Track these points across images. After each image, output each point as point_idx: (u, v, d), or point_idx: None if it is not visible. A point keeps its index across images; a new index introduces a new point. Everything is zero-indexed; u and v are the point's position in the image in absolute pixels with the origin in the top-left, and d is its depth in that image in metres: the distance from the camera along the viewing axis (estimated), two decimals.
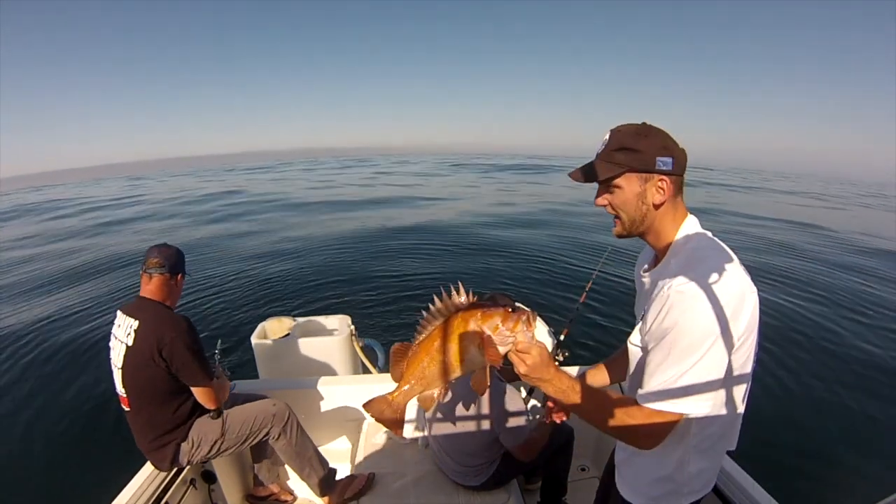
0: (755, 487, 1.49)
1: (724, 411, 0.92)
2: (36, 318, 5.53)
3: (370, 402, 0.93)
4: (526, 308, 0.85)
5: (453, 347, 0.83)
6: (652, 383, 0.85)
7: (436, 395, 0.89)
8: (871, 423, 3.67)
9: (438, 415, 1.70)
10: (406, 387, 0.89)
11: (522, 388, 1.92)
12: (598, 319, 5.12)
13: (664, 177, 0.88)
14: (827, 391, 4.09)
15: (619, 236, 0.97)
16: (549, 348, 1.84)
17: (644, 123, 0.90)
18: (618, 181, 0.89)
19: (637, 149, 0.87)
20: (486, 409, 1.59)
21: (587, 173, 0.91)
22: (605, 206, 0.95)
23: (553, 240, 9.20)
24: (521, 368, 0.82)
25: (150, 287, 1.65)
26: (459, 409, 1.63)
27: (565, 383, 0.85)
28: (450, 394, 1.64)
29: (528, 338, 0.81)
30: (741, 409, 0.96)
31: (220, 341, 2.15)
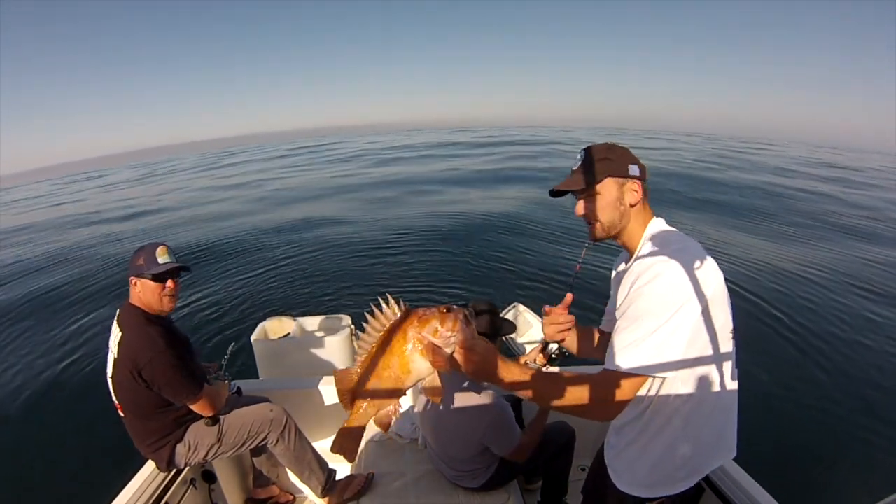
0: (754, 486, 1.49)
1: (700, 390, 0.97)
2: (32, 313, 5.54)
3: (334, 443, 0.91)
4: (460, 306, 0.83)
5: (397, 360, 0.80)
6: (617, 346, 0.91)
7: (391, 412, 0.86)
8: (871, 422, 3.67)
9: (429, 426, 1.69)
10: (359, 411, 0.86)
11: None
12: (596, 304, 5.09)
13: (636, 180, 1.03)
14: (827, 389, 4.08)
15: (598, 239, 1.08)
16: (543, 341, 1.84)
17: (610, 143, 1.06)
18: (598, 188, 1.02)
19: (611, 158, 1.02)
20: (474, 423, 1.57)
21: (571, 183, 1.04)
22: (586, 213, 1.06)
23: (551, 223, 9.17)
24: (468, 367, 0.81)
25: (131, 292, 1.64)
26: (448, 421, 1.62)
27: (516, 372, 0.86)
28: (439, 405, 1.62)
29: (469, 335, 0.79)
30: (726, 396, 1.00)
31: (232, 345, 2.13)
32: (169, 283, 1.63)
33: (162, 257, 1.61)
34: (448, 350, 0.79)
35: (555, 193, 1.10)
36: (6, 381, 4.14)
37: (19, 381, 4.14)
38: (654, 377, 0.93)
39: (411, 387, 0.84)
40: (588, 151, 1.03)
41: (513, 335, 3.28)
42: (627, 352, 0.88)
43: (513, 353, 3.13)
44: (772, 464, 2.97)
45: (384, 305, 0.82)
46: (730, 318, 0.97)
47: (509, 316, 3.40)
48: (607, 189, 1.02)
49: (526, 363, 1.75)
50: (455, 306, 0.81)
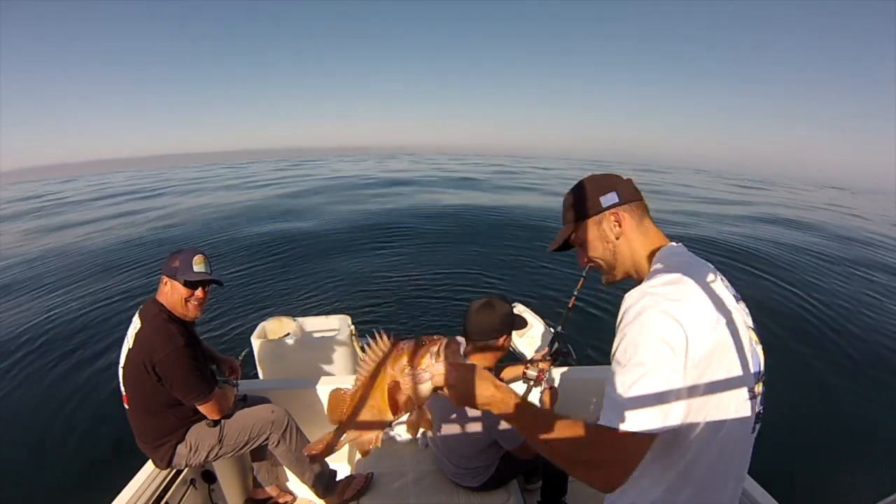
0: (753, 486, 1.49)
1: (702, 443, 0.78)
2: (38, 313, 5.53)
3: (312, 444, 0.92)
4: (437, 337, 0.82)
5: (378, 395, 0.83)
6: (609, 398, 0.75)
7: (371, 440, 0.88)
8: (871, 422, 3.67)
9: (437, 419, 1.69)
10: (342, 433, 0.88)
11: (520, 383, 1.92)
12: (598, 314, 5.12)
13: (614, 210, 0.92)
14: (827, 390, 4.09)
15: (610, 283, 0.98)
16: (546, 341, 1.86)
17: (582, 179, 0.98)
18: (579, 235, 0.96)
19: (580, 198, 0.95)
20: (482, 417, 1.57)
21: (557, 240, 0.99)
22: (587, 262, 0.98)
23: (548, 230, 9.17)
24: (451, 396, 0.78)
25: (160, 289, 1.66)
26: (455, 415, 1.62)
27: (510, 405, 0.78)
28: (445, 403, 1.63)
29: (445, 368, 0.77)
30: (734, 450, 0.82)
31: (245, 351, 2.13)
32: (198, 292, 1.66)
33: (198, 266, 1.64)
34: (425, 385, 0.79)
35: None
36: (6, 381, 4.14)
37: (19, 380, 4.14)
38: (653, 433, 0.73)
39: (396, 419, 0.85)
40: (563, 201, 0.99)
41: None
42: (619, 407, 0.73)
43: (514, 353, 3.14)
44: (771, 463, 2.97)
45: (375, 340, 0.84)
46: (748, 364, 0.77)
47: None
48: (587, 233, 0.95)
49: (528, 366, 1.76)
50: (435, 337, 0.80)
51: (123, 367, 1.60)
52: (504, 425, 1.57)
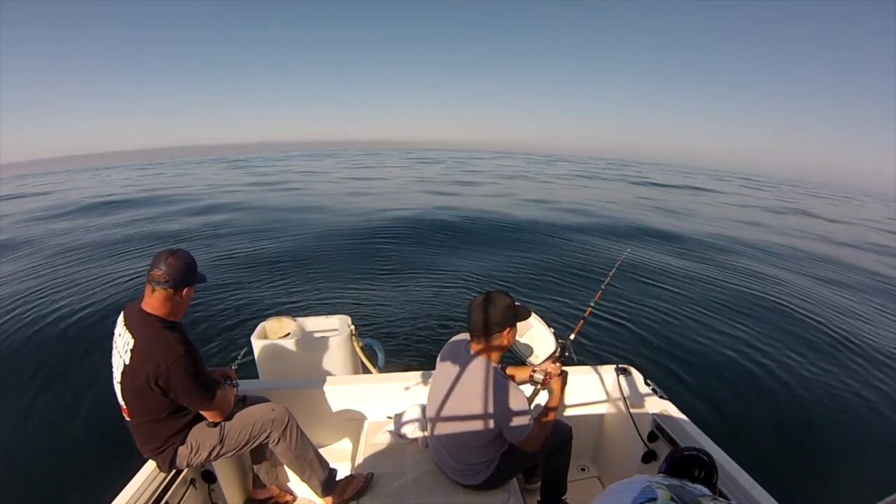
0: (754, 486, 1.50)
1: None
2: (36, 311, 5.53)
3: None
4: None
5: None
6: None
7: None
8: (871, 422, 3.68)
9: (441, 414, 1.69)
10: None
11: (528, 385, 1.93)
12: (611, 319, 5.13)
13: None
14: (827, 390, 4.09)
15: None
16: (552, 347, 1.88)
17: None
18: None
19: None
20: (489, 409, 1.57)
21: None
22: None
23: (565, 236, 9.18)
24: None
25: (151, 301, 1.55)
26: (462, 409, 1.62)
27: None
28: (452, 394, 1.64)
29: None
30: None
31: (244, 351, 2.12)
32: None
33: None
34: None
35: None
36: (5, 378, 4.14)
37: (20, 380, 4.14)
38: None
39: None
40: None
41: (518, 337, 3.28)
42: None
43: (517, 356, 3.13)
44: (771, 464, 2.97)
45: None
46: None
47: None
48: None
49: (535, 370, 1.78)
50: None
51: (122, 383, 1.55)
52: (513, 420, 1.57)
